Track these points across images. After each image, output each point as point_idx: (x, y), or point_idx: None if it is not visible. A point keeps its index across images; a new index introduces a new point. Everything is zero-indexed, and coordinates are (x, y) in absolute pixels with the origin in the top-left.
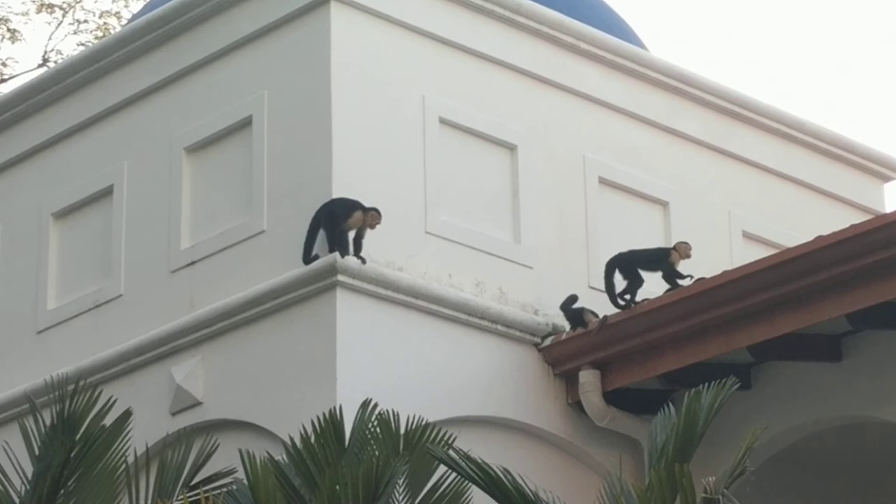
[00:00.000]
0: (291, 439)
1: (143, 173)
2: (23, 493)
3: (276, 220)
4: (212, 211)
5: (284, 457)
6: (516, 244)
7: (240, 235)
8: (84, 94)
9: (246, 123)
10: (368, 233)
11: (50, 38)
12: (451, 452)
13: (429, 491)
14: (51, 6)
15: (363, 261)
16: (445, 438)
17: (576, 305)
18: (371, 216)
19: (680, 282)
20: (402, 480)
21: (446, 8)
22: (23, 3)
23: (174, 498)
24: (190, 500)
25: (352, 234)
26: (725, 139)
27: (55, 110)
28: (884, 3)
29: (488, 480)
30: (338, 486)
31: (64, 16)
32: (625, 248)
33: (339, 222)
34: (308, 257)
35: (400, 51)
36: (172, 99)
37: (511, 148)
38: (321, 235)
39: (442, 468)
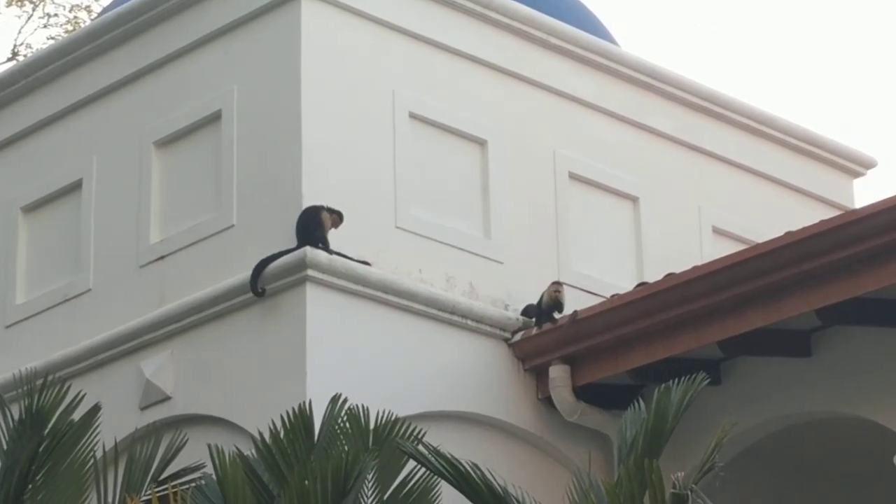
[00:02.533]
0: (261, 434)
1: (113, 167)
2: None
3: (246, 214)
4: (181, 205)
5: (253, 452)
6: (486, 239)
7: (209, 230)
8: (53, 87)
9: (215, 118)
10: (341, 228)
11: (20, 32)
12: (420, 447)
13: (398, 486)
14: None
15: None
16: (415, 433)
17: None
18: (334, 218)
19: None
20: (371, 475)
21: (416, 2)
22: None
23: (142, 493)
24: (158, 495)
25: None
26: (696, 135)
27: (24, 104)
28: None
29: (457, 475)
30: (307, 482)
31: (34, 9)
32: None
33: (315, 230)
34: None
35: (370, 45)
36: (142, 93)
37: (481, 143)
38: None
39: (411, 463)
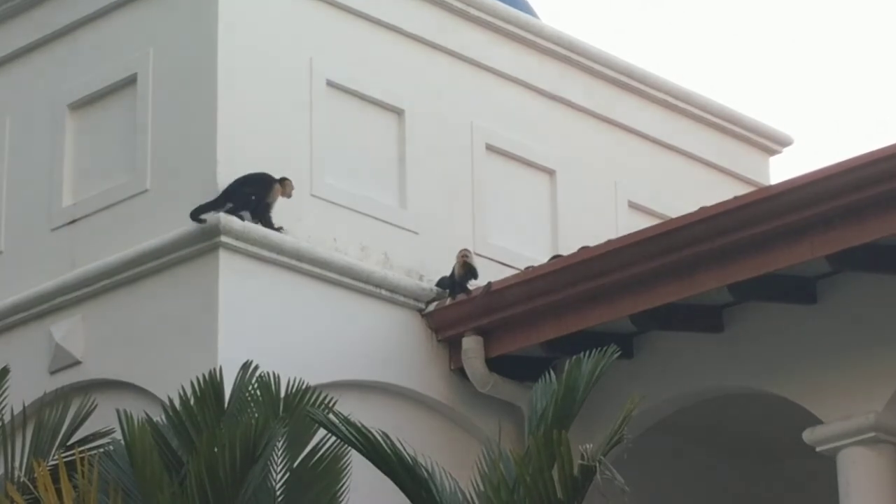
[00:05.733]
0: (170, 400)
1: (26, 129)
2: None
3: (160, 179)
4: (95, 169)
5: (163, 418)
6: (402, 209)
7: (123, 194)
8: None
9: (131, 81)
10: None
11: None
12: (330, 416)
13: (308, 454)
14: None
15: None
16: (325, 402)
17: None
18: (287, 185)
19: None
20: (281, 443)
21: None
22: None
23: (50, 457)
24: (66, 459)
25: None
26: (613, 108)
27: None
28: None
29: (367, 444)
30: (215, 448)
31: None
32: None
33: (261, 199)
34: (197, 216)
35: (288, 12)
36: (57, 55)
37: (398, 112)
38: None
39: (322, 432)
